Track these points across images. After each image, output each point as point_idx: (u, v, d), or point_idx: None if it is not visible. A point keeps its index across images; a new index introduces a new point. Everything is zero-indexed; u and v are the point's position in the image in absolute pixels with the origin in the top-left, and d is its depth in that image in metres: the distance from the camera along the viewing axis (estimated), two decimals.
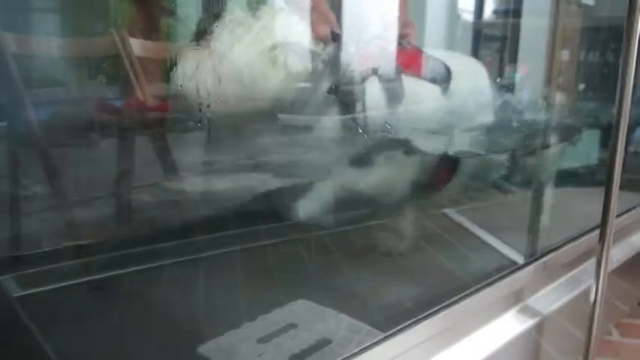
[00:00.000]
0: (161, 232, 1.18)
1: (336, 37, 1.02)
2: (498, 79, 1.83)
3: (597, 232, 1.07)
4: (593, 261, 1.17)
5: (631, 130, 1.88)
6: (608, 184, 0.95)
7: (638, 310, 1.62)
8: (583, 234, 1.19)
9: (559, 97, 1.73)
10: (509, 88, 1.78)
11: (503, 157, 1.37)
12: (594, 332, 1.00)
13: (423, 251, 1.25)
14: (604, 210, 0.96)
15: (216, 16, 0.97)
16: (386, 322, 0.86)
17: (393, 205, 1.19)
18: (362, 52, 1.09)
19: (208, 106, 0.90)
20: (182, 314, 0.94)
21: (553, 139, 1.50)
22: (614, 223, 0.96)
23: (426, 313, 0.86)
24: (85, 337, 0.84)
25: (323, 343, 0.89)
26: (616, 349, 1.41)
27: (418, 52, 1.20)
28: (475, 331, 0.96)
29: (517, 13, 1.87)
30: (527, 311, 1.04)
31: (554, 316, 1.07)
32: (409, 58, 1.18)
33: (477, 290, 0.95)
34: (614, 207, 0.96)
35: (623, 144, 0.94)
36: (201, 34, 0.97)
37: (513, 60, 1.89)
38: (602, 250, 0.98)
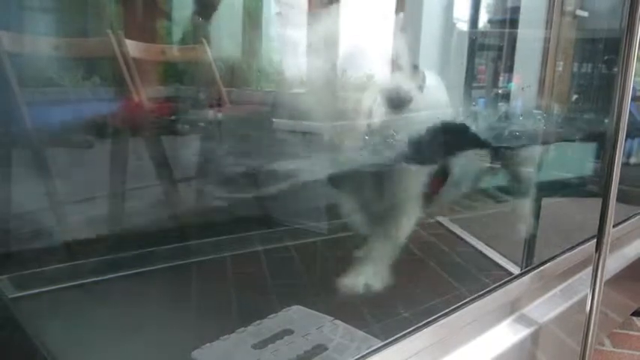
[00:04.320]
0: None
1: None
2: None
3: (593, 242, 1.07)
4: (587, 271, 1.18)
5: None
6: (604, 195, 0.95)
7: (631, 321, 1.64)
8: (579, 244, 1.20)
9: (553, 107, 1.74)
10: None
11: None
12: (590, 342, 1.00)
13: None
14: (601, 220, 0.97)
15: None
16: None
17: None
18: None
19: None
20: None
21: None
22: (610, 233, 0.96)
23: (422, 323, 0.86)
24: None
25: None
26: (609, 359, 1.42)
27: None
28: (471, 340, 0.95)
29: (513, 23, 1.88)
30: (522, 321, 1.04)
31: (550, 326, 1.07)
32: None
33: (474, 300, 0.95)
34: (611, 217, 0.96)
35: (620, 155, 0.94)
36: None
37: (508, 70, 1.90)
38: (598, 260, 0.98)
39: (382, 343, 0.81)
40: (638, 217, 1.54)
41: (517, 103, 1.80)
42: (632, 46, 0.91)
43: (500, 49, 1.90)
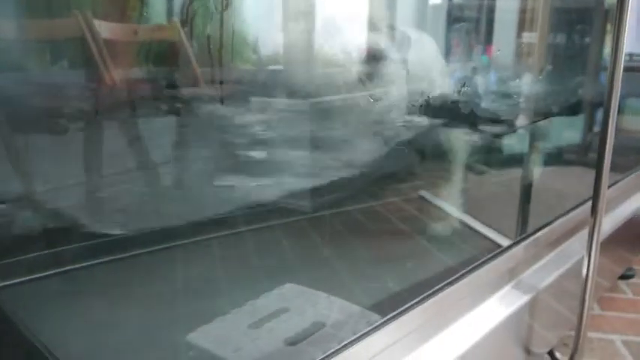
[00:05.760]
0: None
1: None
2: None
3: (584, 207, 1.08)
4: (579, 236, 1.19)
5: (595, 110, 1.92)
6: (599, 158, 0.96)
7: (618, 285, 1.67)
8: (572, 209, 1.20)
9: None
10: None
11: None
12: (587, 305, 1.01)
13: None
14: (595, 184, 0.97)
15: None
16: None
17: None
18: None
19: None
20: None
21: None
22: (605, 195, 0.97)
23: (419, 298, 0.85)
24: None
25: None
26: (599, 322, 1.45)
27: None
28: (469, 312, 0.95)
29: None
30: (518, 290, 1.04)
31: (545, 294, 1.07)
32: None
33: (470, 271, 0.94)
34: (606, 180, 0.97)
35: (614, 119, 0.94)
36: None
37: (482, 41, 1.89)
38: (594, 223, 0.98)
39: (381, 321, 0.80)
40: (619, 183, 1.56)
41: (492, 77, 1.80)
42: (624, 13, 0.91)
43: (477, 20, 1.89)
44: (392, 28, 1.13)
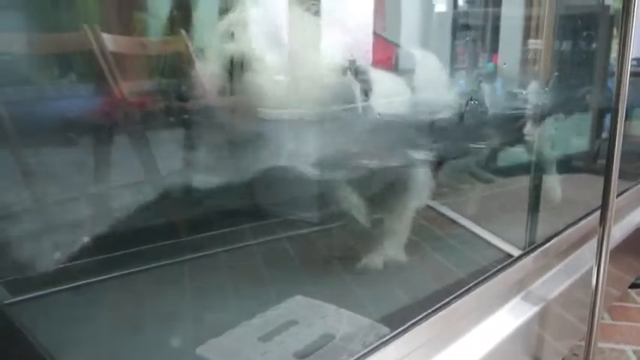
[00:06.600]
0: None
1: None
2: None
3: (592, 217, 1.07)
4: (588, 245, 1.19)
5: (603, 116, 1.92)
6: (607, 167, 0.95)
7: (629, 294, 1.66)
8: (581, 218, 1.20)
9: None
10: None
11: None
12: (597, 314, 1.00)
13: None
14: (604, 192, 0.97)
15: None
16: None
17: None
18: None
19: None
20: None
21: None
22: (614, 204, 0.97)
23: (430, 310, 0.85)
24: None
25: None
26: (609, 332, 1.44)
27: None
28: (479, 324, 0.95)
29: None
30: (528, 301, 1.04)
31: (555, 304, 1.07)
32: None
33: (482, 282, 0.94)
34: (615, 189, 0.96)
35: (622, 128, 0.94)
36: None
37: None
38: (603, 232, 0.98)
39: (391, 334, 0.80)
40: (629, 191, 1.55)
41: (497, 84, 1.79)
42: (629, 20, 0.91)
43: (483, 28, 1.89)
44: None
